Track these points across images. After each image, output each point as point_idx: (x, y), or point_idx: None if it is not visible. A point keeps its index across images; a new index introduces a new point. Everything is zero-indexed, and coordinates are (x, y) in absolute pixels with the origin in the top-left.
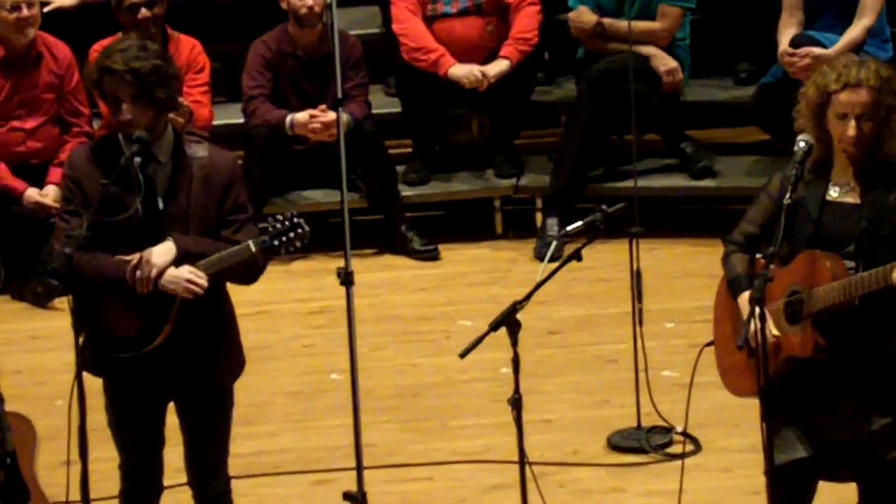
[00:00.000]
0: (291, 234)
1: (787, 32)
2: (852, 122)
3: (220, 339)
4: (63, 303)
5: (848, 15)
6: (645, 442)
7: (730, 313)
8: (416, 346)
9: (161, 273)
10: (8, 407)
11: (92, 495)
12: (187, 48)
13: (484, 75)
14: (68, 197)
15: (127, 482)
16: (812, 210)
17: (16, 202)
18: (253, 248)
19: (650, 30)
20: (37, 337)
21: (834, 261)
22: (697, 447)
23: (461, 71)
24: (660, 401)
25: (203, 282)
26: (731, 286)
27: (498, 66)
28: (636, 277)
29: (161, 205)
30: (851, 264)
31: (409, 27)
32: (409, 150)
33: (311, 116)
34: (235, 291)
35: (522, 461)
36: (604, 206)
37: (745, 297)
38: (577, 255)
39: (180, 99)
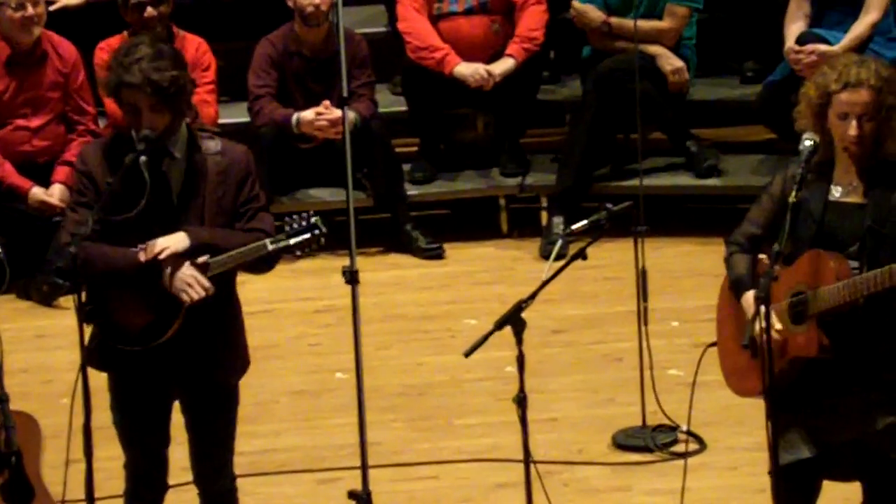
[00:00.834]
0: (308, 235)
1: (793, 26)
2: (853, 122)
3: (226, 338)
4: (69, 301)
5: (855, 12)
6: (650, 441)
7: (733, 315)
8: (422, 344)
9: (166, 252)
10: (13, 406)
11: (96, 494)
12: (193, 47)
13: (490, 74)
14: (81, 190)
15: (132, 481)
16: (815, 210)
17: (21, 201)
18: (269, 247)
19: (657, 29)
20: (42, 335)
21: (838, 261)
22: (702, 446)
23: (467, 70)
24: (665, 399)
25: (202, 291)
26: (735, 286)
27: (503, 65)
28: (642, 276)
29: (176, 201)
30: (855, 264)
31: (415, 26)
32: (415, 148)
33: (317, 114)
34: (240, 290)
35: (527, 460)
36: (609, 205)
37: (748, 296)
38: (582, 254)
39: None
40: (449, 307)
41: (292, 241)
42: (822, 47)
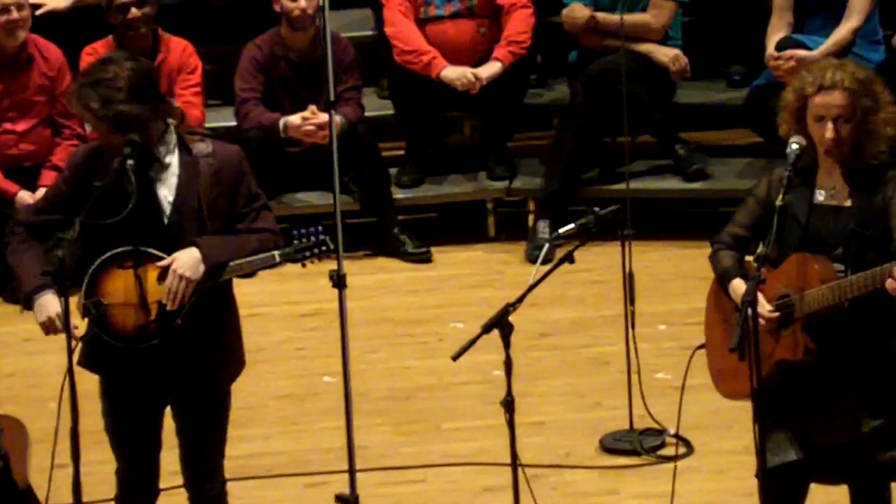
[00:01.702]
0: (316, 251)
1: (775, 35)
2: (830, 125)
3: (222, 342)
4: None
5: (838, 18)
6: (637, 444)
7: (721, 317)
8: (409, 348)
9: (193, 288)
10: (0, 410)
11: (84, 498)
12: (178, 49)
13: (476, 78)
14: (56, 189)
15: (124, 487)
16: (799, 214)
17: (8, 205)
18: (278, 259)
19: (644, 23)
20: (30, 339)
21: (823, 264)
22: (690, 449)
23: (454, 73)
24: (652, 403)
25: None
26: (722, 279)
27: (490, 69)
28: (629, 280)
29: (168, 209)
30: (840, 267)
31: (402, 30)
32: (402, 152)
33: (304, 119)
34: None
35: (515, 463)
36: (596, 209)
37: (736, 284)
38: (569, 258)
39: (171, 101)
40: (436, 311)
41: (300, 255)
42: (801, 53)
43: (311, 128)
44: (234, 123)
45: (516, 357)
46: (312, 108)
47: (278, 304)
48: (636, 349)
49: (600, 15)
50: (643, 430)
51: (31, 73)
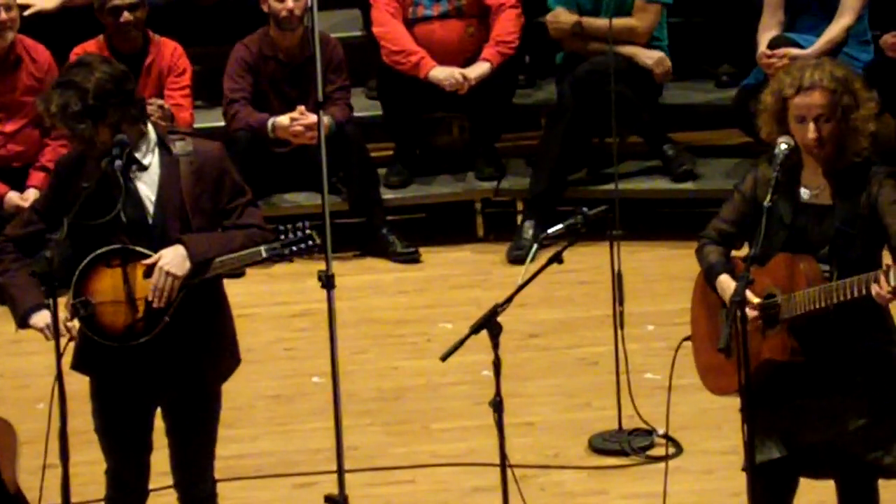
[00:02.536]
0: (302, 246)
1: (767, 34)
2: (811, 125)
3: (212, 340)
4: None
5: (829, 17)
6: (626, 444)
7: (707, 312)
8: (398, 349)
9: (179, 284)
10: None
11: (73, 499)
12: (168, 51)
13: (465, 78)
14: (45, 195)
15: (113, 488)
16: (785, 213)
17: None
18: (264, 254)
19: (629, 27)
20: (18, 340)
21: (809, 264)
22: (679, 449)
23: (442, 73)
24: (641, 403)
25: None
26: (707, 274)
27: (479, 69)
28: (617, 280)
29: (153, 208)
30: (826, 267)
31: (390, 30)
32: (391, 152)
33: (292, 119)
34: None
35: (504, 464)
36: (584, 209)
37: (722, 279)
38: (558, 258)
39: (161, 102)
40: (425, 311)
41: (286, 250)
42: (794, 51)
43: (299, 128)
44: (221, 124)
45: (505, 357)
46: (301, 108)
47: (267, 305)
48: (625, 349)
49: (586, 20)
50: (632, 430)
51: (20, 73)
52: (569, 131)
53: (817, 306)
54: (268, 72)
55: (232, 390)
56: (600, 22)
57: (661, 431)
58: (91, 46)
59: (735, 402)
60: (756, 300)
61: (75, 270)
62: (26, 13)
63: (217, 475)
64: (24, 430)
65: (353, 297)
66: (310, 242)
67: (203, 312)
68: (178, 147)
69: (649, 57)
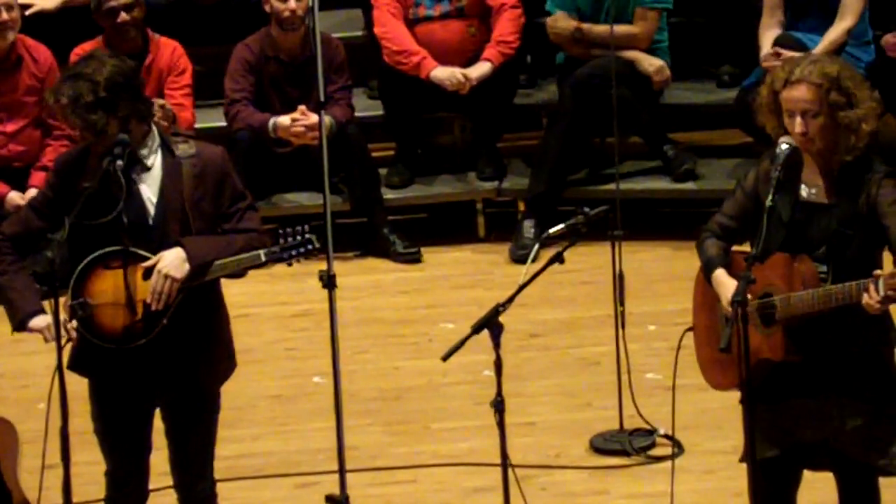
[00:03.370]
0: (302, 250)
1: (768, 34)
2: (798, 119)
3: (210, 342)
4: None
5: (829, 18)
6: (627, 444)
7: (707, 304)
8: (399, 349)
9: (178, 287)
10: None
11: (74, 499)
12: (168, 51)
13: (466, 78)
14: (42, 194)
15: (112, 489)
16: (784, 211)
17: None
18: (263, 258)
19: (630, 34)
20: (19, 340)
21: (806, 265)
22: (680, 450)
23: (443, 73)
24: (642, 403)
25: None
26: (705, 267)
27: (480, 69)
28: (618, 280)
29: (153, 210)
30: (823, 268)
31: (391, 30)
32: (392, 153)
33: (293, 120)
34: None
35: (505, 464)
36: (586, 209)
37: (718, 274)
38: (559, 258)
39: (162, 102)
40: (426, 311)
41: (286, 254)
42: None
43: (300, 128)
44: (223, 124)
45: (506, 357)
46: (302, 108)
47: (268, 305)
48: (626, 349)
49: (586, 26)
50: (633, 430)
51: (21, 73)
52: (569, 132)
53: (813, 311)
54: (269, 72)
55: (233, 390)
56: (600, 28)
57: (661, 431)
58: (91, 47)
59: (735, 400)
60: (754, 303)
61: (73, 271)
62: (27, 13)
63: (218, 475)
64: (25, 430)
65: (355, 297)
66: (309, 246)
67: (201, 315)
68: (182, 149)
69: (651, 64)
